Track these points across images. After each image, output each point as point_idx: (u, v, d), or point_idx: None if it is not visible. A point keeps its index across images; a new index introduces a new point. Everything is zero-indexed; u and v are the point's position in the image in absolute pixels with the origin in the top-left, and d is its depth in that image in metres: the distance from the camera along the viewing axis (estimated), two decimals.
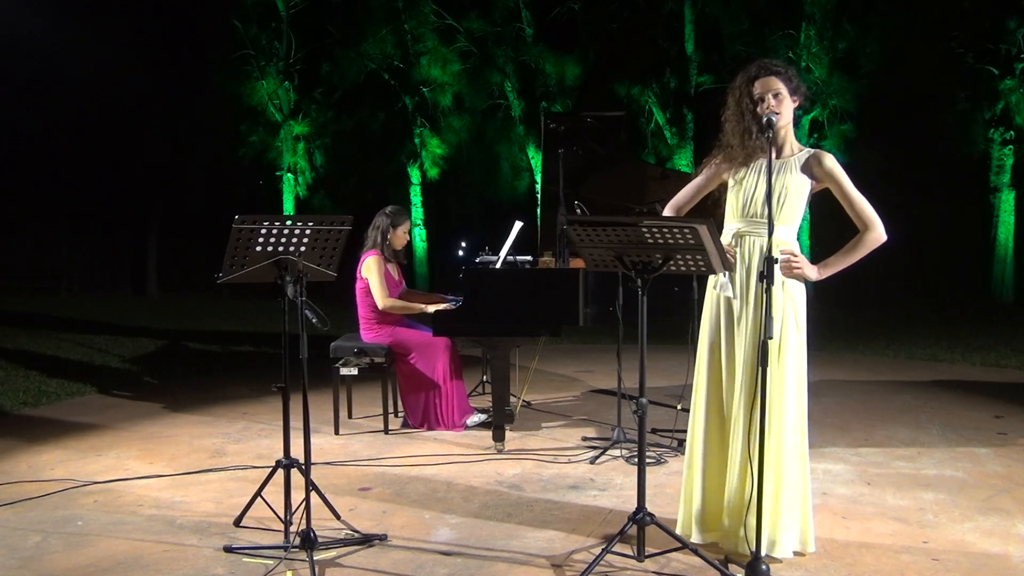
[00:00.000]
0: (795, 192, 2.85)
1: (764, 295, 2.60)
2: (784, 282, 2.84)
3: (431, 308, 4.81)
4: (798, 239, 2.95)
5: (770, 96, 2.81)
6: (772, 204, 2.70)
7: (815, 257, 2.89)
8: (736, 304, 2.90)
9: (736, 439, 2.86)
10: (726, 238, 2.95)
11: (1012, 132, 16.36)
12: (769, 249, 2.61)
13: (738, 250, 2.91)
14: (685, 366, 4.77)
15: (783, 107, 2.83)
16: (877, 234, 2.83)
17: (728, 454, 2.90)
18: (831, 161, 2.87)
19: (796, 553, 2.88)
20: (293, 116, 19.66)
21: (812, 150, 2.92)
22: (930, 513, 3.39)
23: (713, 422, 2.96)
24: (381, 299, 4.89)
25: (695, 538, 2.96)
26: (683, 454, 4.31)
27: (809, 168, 2.87)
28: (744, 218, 2.92)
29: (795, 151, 2.91)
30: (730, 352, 2.92)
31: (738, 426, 2.86)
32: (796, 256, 2.82)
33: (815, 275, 2.85)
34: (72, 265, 24.51)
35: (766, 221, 2.68)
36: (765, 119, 2.71)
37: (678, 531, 3.00)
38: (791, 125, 2.92)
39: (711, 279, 2.99)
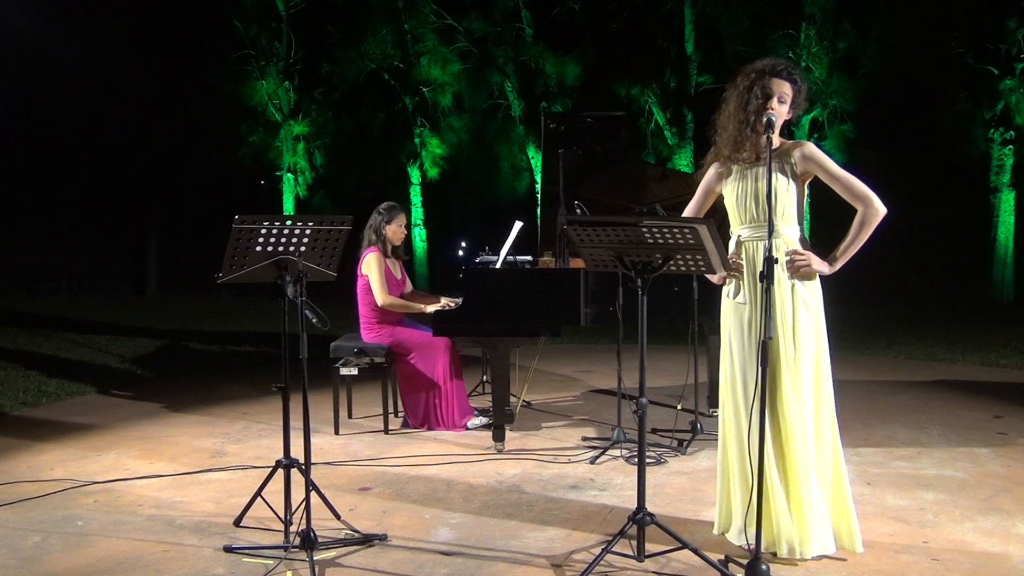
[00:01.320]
0: (783, 190, 2.84)
1: (764, 295, 2.60)
2: (794, 283, 2.83)
3: (430, 308, 4.81)
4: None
5: (775, 99, 2.82)
6: (771, 205, 2.70)
7: (823, 256, 2.87)
8: (747, 310, 2.90)
9: (767, 443, 2.80)
10: (731, 246, 2.95)
11: (1012, 132, 16.34)
12: (769, 249, 2.61)
13: (743, 256, 2.91)
14: (685, 366, 4.78)
15: (781, 112, 2.84)
16: (876, 207, 2.78)
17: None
18: (810, 148, 2.86)
19: (835, 557, 2.85)
20: (293, 116, 19.66)
21: (792, 141, 2.92)
22: (930, 513, 3.39)
23: (736, 431, 2.94)
24: (381, 296, 4.89)
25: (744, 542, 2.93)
26: (683, 454, 4.36)
27: (790, 160, 2.86)
28: (743, 224, 2.92)
29: (778, 148, 2.89)
30: (747, 358, 2.90)
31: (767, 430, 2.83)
32: (801, 253, 2.81)
33: (827, 269, 2.83)
34: (72, 265, 24.53)
35: (765, 223, 2.68)
36: (766, 119, 2.72)
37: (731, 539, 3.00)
38: (778, 128, 2.92)
39: (724, 288, 2.99)
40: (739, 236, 2.94)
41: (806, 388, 2.84)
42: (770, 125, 2.71)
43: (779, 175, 2.83)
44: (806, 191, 2.94)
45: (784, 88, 2.83)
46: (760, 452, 2.66)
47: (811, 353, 2.85)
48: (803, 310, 2.83)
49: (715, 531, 3.08)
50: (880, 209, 2.79)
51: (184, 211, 24.09)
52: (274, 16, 19.56)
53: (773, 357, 2.81)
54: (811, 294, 2.87)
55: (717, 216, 3.00)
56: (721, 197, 3.04)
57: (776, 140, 2.89)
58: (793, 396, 2.81)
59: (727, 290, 2.98)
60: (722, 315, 3.01)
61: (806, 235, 2.96)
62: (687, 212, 3.13)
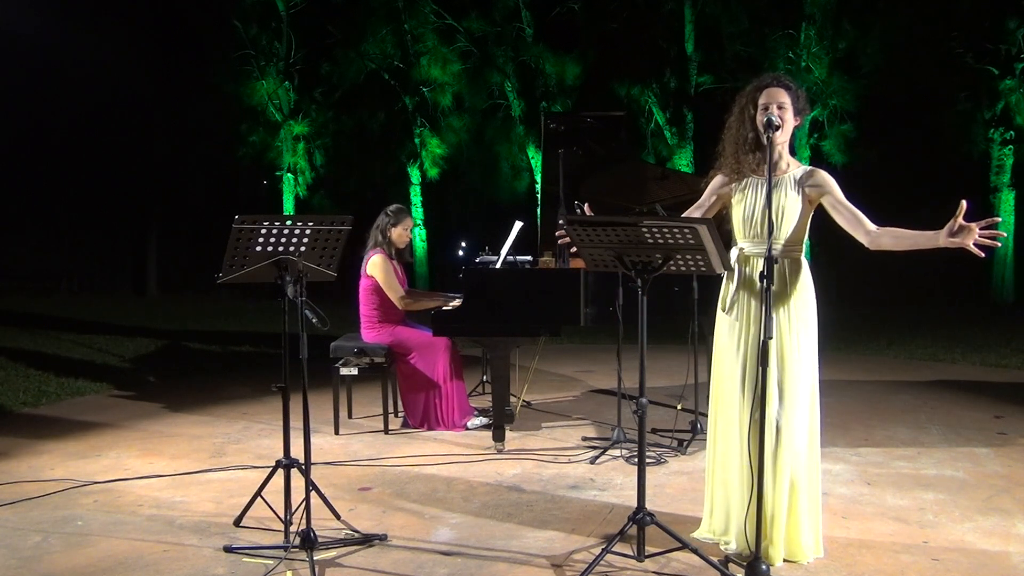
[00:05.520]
0: (792, 210, 2.84)
1: (764, 294, 2.60)
2: (788, 288, 2.83)
3: (451, 304, 4.78)
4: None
5: (774, 106, 2.82)
6: (772, 213, 2.70)
7: (824, 257, 2.88)
8: (738, 326, 2.89)
9: (767, 448, 2.78)
10: (732, 257, 2.94)
11: (1012, 132, 16.32)
12: (769, 249, 2.61)
13: (743, 269, 2.90)
14: (685, 366, 4.78)
15: (785, 118, 2.83)
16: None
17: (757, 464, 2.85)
18: (826, 175, 2.88)
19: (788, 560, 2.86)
20: (293, 116, 19.65)
21: (807, 167, 2.93)
22: (930, 513, 3.39)
23: (734, 437, 2.94)
24: (395, 295, 4.90)
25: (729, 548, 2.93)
26: (683, 454, 4.35)
27: (804, 184, 2.87)
28: (747, 238, 2.92)
29: (790, 168, 2.91)
30: (736, 368, 2.89)
31: (769, 435, 2.81)
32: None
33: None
34: (72, 265, 24.55)
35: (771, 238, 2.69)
36: (766, 119, 2.73)
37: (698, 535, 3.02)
38: (787, 144, 2.92)
39: (720, 301, 2.98)
40: (742, 249, 2.94)
41: (804, 393, 2.83)
42: (770, 125, 2.71)
43: (790, 193, 2.85)
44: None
45: (780, 96, 2.83)
46: (760, 453, 2.66)
47: (810, 359, 2.84)
48: (793, 317, 2.83)
49: (699, 535, 3.06)
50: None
51: (184, 211, 24.10)
52: (274, 16, 19.54)
53: (755, 363, 2.80)
54: (805, 302, 2.86)
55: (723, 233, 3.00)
56: (723, 209, 3.04)
57: (792, 163, 2.91)
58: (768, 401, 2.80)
59: (721, 303, 2.99)
60: (716, 327, 3.02)
61: (807, 257, 2.96)
62: (691, 212, 3.11)
